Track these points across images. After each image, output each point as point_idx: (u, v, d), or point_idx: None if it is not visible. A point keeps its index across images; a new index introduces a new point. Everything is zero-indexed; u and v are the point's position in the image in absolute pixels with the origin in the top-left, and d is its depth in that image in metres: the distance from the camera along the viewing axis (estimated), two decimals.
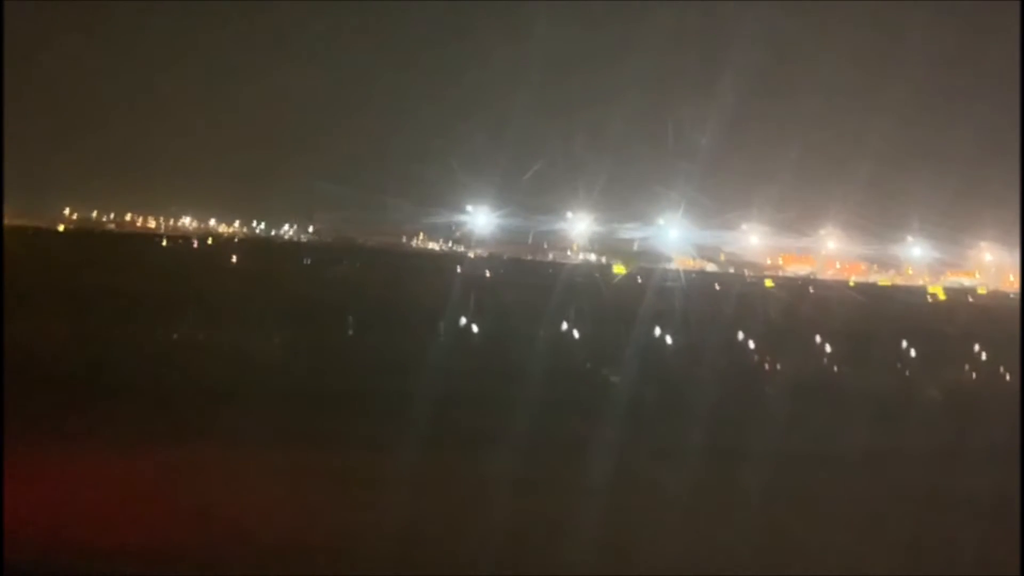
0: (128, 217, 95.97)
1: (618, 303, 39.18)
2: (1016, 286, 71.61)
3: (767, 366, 25.31)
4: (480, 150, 76.50)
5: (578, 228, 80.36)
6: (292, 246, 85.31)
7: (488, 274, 59.61)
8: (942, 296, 65.05)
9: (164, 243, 76.90)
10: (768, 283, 66.15)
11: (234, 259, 59.96)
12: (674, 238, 77.83)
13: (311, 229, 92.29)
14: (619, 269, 69.16)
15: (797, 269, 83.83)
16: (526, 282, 47.82)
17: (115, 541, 8.40)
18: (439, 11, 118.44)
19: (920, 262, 79.08)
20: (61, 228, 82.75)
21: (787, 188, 73.51)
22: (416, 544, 9.04)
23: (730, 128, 73.65)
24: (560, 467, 12.06)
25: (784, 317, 39.21)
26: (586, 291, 43.70)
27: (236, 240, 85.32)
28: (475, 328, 28.97)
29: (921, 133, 74.82)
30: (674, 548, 9.31)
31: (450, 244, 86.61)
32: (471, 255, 77.26)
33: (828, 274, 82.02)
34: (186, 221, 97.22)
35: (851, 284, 71.57)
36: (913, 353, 29.28)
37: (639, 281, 59.07)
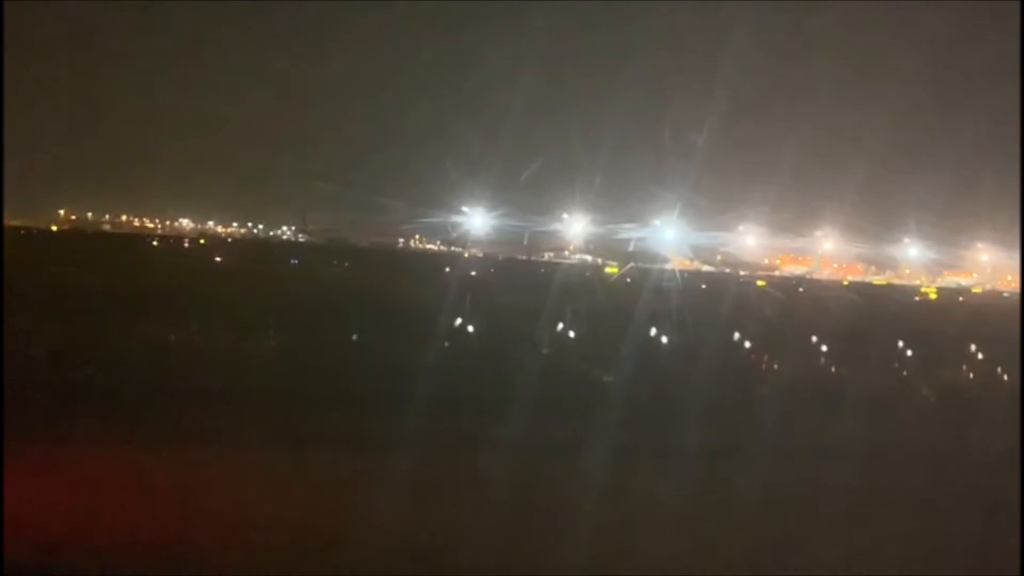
0: (124, 218, 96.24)
1: (608, 303, 39.07)
2: (1012, 285, 71.53)
3: (751, 362, 25.35)
4: (476, 151, 76.43)
5: (574, 229, 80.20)
6: (284, 246, 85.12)
7: (480, 274, 59.30)
8: (933, 296, 64.90)
9: (155, 243, 76.75)
10: (760, 283, 65.94)
11: (218, 259, 59.75)
12: (670, 239, 77.56)
13: (306, 230, 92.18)
14: (612, 269, 68.89)
15: (793, 269, 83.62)
16: (517, 282, 47.68)
17: (115, 541, 8.39)
18: (436, 11, 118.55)
19: (917, 262, 78.96)
20: (55, 228, 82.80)
21: (784, 189, 73.42)
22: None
23: (727, 129, 73.57)
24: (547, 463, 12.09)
25: (772, 315, 39.20)
26: (577, 291, 43.48)
27: (230, 240, 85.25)
28: (464, 326, 28.80)
29: (918, 134, 74.73)
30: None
31: (446, 245, 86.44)
32: (465, 255, 77.02)
33: (825, 274, 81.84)
34: (182, 222, 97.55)
35: (845, 284, 71.40)
36: (893, 349, 29.30)
37: (628, 281, 58.80)
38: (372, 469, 11.27)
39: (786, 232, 79.66)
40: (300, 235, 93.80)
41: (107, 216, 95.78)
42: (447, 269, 58.93)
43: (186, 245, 77.65)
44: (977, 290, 72.60)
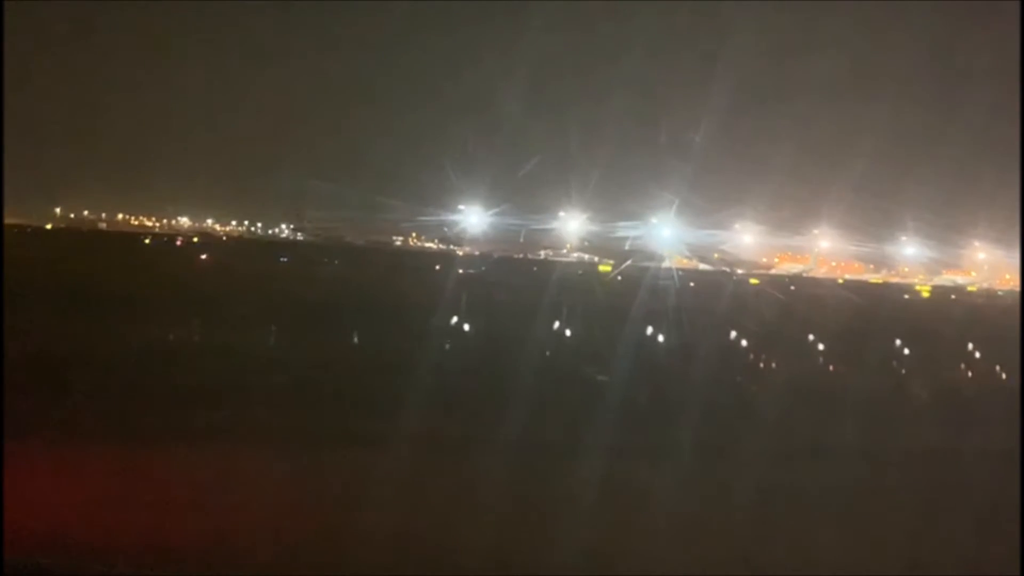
0: (120, 216, 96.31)
1: (597, 301, 39.15)
2: (1009, 284, 71.43)
3: (734, 358, 25.38)
4: (473, 149, 76.06)
5: (571, 227, 79.94)
6: (277, 244, 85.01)
7: (469, 272, 59.22)
8: (926, 294, 64.95)
9: (147, 241, 76.74)
10: (753, 281, 65.87)
11: (204, 256, 59.63)
12: (667, 237, 77.34)
13: (301, 228, 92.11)
14: (604, 268, 68.82)
15: (791, 268, 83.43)
16: (507, 280, 47.98)
17: (115, 541, 8.41)
18: (434, 10, 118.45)
19: (914, 261, 78.83)
20: (49, 227, 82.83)
21: (782, 187, 73.27)
22: None
23: (724, 127, 73.32)
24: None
25: (761, 313, 39.16)
26: (567, 289, 43.58)
27: (224, 239, 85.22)
28: (447, 323, 28.65)
29: (916, 133, 74.31)
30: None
31: (443, 243, 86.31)
32: (459, 253, 76.87)
33: (822, 272, 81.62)
34: (179, 221, 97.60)
35: (840, 282, 71.27)
36: (875, 346, 29.10)
37: (619, 279, 58.69)
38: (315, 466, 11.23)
39: (784, 230, 79.53)
40: (298, 233, 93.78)
41: (103, 215, 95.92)
42: (436, 267, 58.72)
43: (178, 243, 77.56)
44: (973, 288, 72.46)
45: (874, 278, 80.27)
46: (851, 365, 24.66)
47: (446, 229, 79.67)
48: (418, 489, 10.67)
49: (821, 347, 28.62)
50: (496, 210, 72.23)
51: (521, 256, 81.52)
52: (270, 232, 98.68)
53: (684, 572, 8.81)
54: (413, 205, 74.31)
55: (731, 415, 15.50)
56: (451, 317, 29.83)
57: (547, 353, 23.02)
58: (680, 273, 65.74)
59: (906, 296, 63.12)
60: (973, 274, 79.35)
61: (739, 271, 78.73)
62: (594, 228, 77.92)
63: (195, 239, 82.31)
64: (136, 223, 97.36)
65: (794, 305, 43.85)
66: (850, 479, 11.74)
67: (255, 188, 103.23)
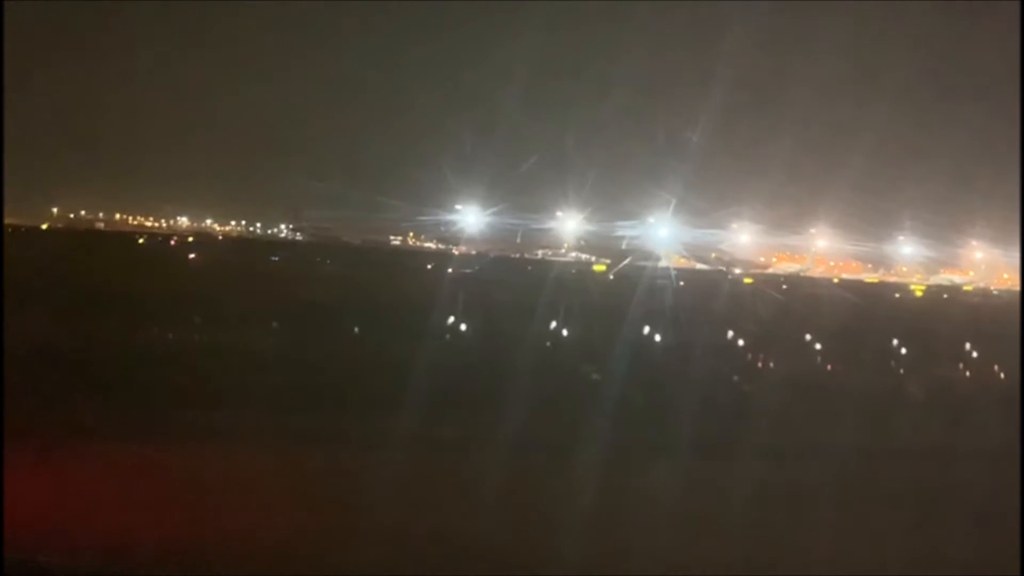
0: (118, 216, 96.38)
1: (589, 300, 38.99)
2: (1007, 283, 71.23)
3: (722, 356, 25.32)
4: (470, 149, 75.94)
5: (568, 226, 79.80)
6: (272, 244, 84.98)
7: (466, 271, 59.07)
8: (919, 293, 64.91)
9: (140, 241, 76.77)
10: (747, 280, 65.77)
11: (192, 256, 59.64)
12: (663, 236, 77.20)
13: (299, 228, 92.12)
14: (599, 268, 68.74)
15: (788, 267, 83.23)
16: (502, 280, 48.01)
17: (115, 541, 8.41)
18: (431, 10, 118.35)
19: (911, 260, 78.65)
20: (44, 227, 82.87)
21: (780, 186, 73.14)
22: None
23: (722, 126, 73.10)
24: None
25: (752, 312, 39.35)
26: (560, 288, 43.50)
27: (220, 238, 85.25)
28: (447, 323, 28.66)
29: (913, 132, 74.01)
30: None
31: (440, 243, 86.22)
32: (455, 252, 76.77)
33: (819, 272, 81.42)
34: (178, 221, 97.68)
35: (836, 281, 71.11)
36: (862, 342, 29.51)
37: (612, 279, 58.62)
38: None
39: (782, 230, 79.37)
40: (296, 234, 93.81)
41: (101, 214, 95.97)
42: (428, 266, 58.59)
43: (172, 243, 77.58)
44: (968, 288, 72.27)
45: (870, 277, 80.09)
46: (840, 362, 24.89)
47: (443, 229, 79.69)
48: (413, 486, 10.82)
49: (818, 346, 28.75)
50: (494, 210, 72.20)
51: (517, 256, 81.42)
52: (270, 232, 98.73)
53: (684, 571, 8.84)
54: (411, 205, 74.30)
55: (721, 413, 15.52)
56: (439, 316, 29.69)
57: (535, 352, 23.06)
58: (676, 273, 65.72)
59: (896, 295, 62.92)
60: (971, 273, 79.12)
61: (736, 270, 78.55)
62: (591, 228, 77.86)
63: (190, 239, 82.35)
64: (135, 223, 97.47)
65: (788, 304, 43.99)
66: (843, 478, 11.72)
67: (254, 188, 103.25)
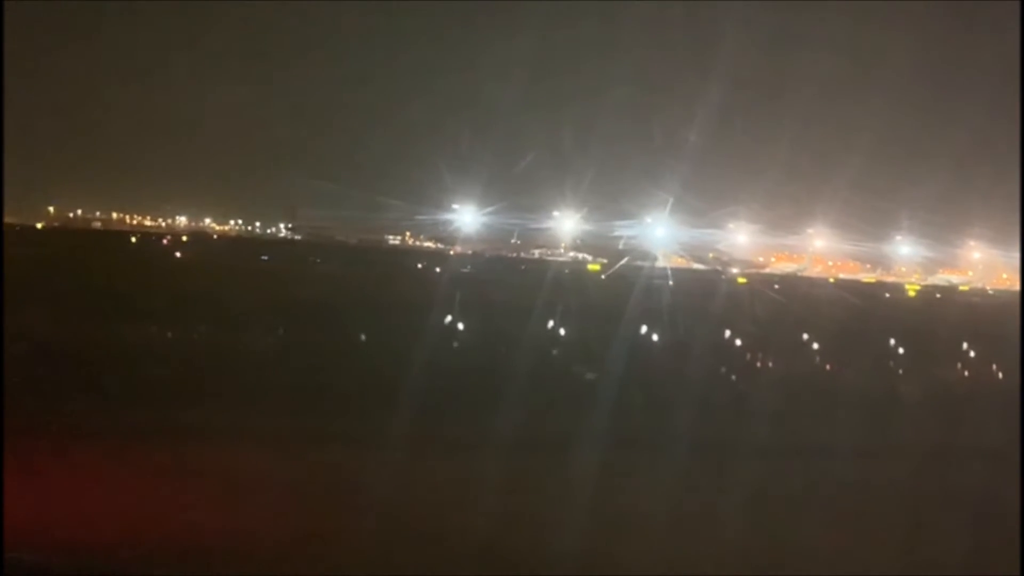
0: (115, 215, 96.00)
1: (584, 300, 38.90)
2: (1007, 284, 71.21)
3: (721, 354, 25.52)
4: (467, 148, 75.75)
5: (565, 226, 79.65)
6: (266, 243, 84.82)
7: (461, 271, 59.03)
8: (912, 293, 64.96)
9: (133, 240, 76.63)
10: (741, 280, 65.75)
11: (178, 254, 59.52)
12: (661, 236, 77.11)
13: (297, 227, 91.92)
14: (594, 267, 68.71)
15: (786, 267, 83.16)
16: (497, 279, 48.17)
17: (115, 541, 8.42)
18: (429, 9, 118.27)
19: (909, 260, 78.54)
20: (40, 226, 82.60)
21: (778, 186, 73.13)
22: None
23: (719, 126, 73.03)
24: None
25: (744, 312, 39.42)
26: (555, 288, 43.34)
27: (215, 237, 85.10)
28: (441, 322, 28.69)
29: (912, 131, 73.95)
30: None
31: (437, 242, 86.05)
32: (451, 252, 76.63)
33: (817, 272, 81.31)
34: (176, 220, 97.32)
35: (832, 281, 71.08)
36: (854, 340, 29.88)
37: (605, 278, 58.59)
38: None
39: (779, 229, 79.28)
40: (292, 233, 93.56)
41: (98, 213, 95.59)
42: (418, 266, 58.39)
43: (164, 242, 77.41)
44: (964, 288, 72.25)
45: (867, 277, 79.99)
46: (838, 362, 25.04)
47: (440, 228, 79.52)
48: (405, 483, 10.84)
49: (815, 346, 28.96)
50: (490, 209, 72.05)
51: (514, 255, 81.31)
52: (268, 231, 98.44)
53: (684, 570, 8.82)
54: (408, 204, 74.13)
55: (716, 412, 15.53)
56: (434, 315, 29.60)
57: (529, 352, 22.90)
58: (671, 272, 65.70)
59: (887, 295, 63.07)
60: (970, 274, 79.06)
61: (733, 270, 78.45)
62: (588, 227, 77.73)
63: (184, 238, 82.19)
64: (133, 222, 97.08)
65: (785, 304, 44.12)
66: (843, 478, 11.72)
67: (252, 187, 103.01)
